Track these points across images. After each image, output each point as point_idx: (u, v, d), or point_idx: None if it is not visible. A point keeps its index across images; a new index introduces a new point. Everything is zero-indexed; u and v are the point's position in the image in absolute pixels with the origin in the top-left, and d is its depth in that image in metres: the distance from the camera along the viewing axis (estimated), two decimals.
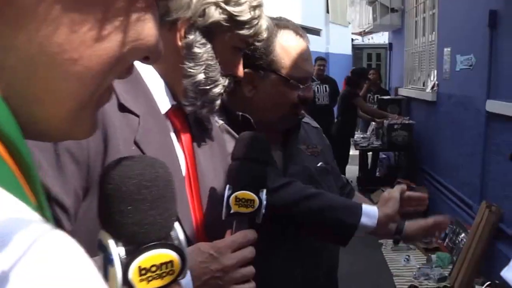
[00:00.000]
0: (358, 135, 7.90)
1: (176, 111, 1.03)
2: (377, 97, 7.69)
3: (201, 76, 0.98)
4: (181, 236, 0.60)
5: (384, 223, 1.37)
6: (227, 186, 0.98)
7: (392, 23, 7.98)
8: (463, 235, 4.39)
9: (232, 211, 0.96)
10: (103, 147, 0.85)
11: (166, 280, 0.58)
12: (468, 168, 4.57)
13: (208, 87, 0.99)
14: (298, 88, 1.40)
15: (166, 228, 0.58)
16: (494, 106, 3.92)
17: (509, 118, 3.51)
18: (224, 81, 1.02)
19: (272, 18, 1.39)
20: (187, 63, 0.97)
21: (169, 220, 0.58)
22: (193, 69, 0.97)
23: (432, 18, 6.18)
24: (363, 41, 17.27)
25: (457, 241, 4.48)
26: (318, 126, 1.70)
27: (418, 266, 4.37)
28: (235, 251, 0.93)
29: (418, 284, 4.11)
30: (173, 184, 0.59)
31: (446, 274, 4.21)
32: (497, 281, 2.18)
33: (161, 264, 0.57)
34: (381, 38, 14.26)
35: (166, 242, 0.58)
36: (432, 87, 5.81)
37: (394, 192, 1.42)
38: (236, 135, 1.36)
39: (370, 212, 1.36)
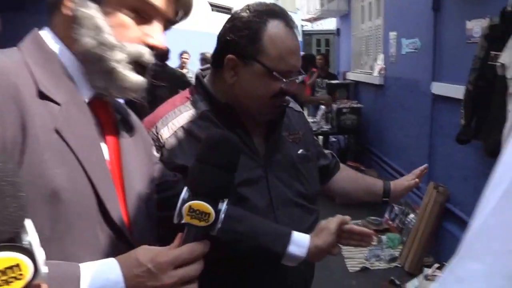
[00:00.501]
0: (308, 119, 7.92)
1: (100, 101, 0.98)
2: (325, 82, 7.74)
3: (91, 42, 0.90)
4: (33, 236, 0.56)
5: (314, 254, 1.30)
6: (185, 188, 0.89)
7: (339, 8, 8.03)
8: (412, 215, 4.49)
9: (183, 221, 0.87)
10: (21, 137, 0.78)
11: (14, 286, 0.54)
12: (416, 149, 4.65)
13: (102, 53, 0.90)
14: (281, 81, 1.33)
15: (10, 228, 0.53)
16: (439, 88, 3.99)
17: (454, 100, 3.57)
18: (124, 47, 0.92)
19: (265, 5, 1.36)
20: (76, 28, 0.90)
21: (10, 219, 0.53)
22: (81, 34, 0.90)
23: (378, 2, 6.24)
24: (312, 27, 17.39)
25: (406, 222, 4.58)
26: (301, 110, 1.67)
27: (369, 248, 4.43)
28: (178, 267, 0.85)
29: (370, 266, 4.17)
30: (14, 179, 0.54)
31: (397, 255, 4.29)
32: (444, 262, 2.20)
33: (6, 268, 0.53)
34: (330, 23, 14.37)
35: (10, 244, 0.53)
36: (379, 71, 5.88)
37: (330, 223, 1.33)
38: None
39: (300, 242, 1.29)
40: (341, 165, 1.78)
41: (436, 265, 2.16)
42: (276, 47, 1.30)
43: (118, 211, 0.93)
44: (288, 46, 1.32)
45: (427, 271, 2.17)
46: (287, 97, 1.43)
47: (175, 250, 0.86)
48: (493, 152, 2.76)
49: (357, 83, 7.26)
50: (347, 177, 1.76)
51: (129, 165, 1.00)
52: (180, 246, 0.87)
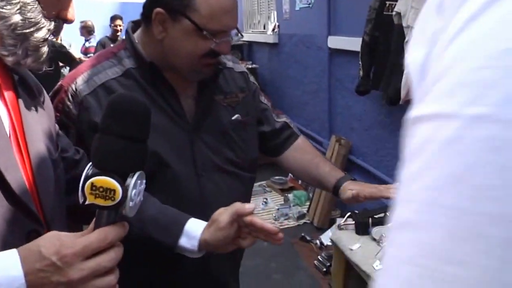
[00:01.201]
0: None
1: None
2: None
3: (17, 18, 0.81)
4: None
5: (207, 249, 1.14)
6: (89, 164, 0.76)
7: None
8: None
9: (87, 203, 0.74)
10: None
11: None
12: (315, 105, 4.67)
13: (28, 31, 0.82)
14: (212, 41, 1.22)
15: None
16: (335, 42, 3.99)
17: (351, 52, 3.58)
18: (49, 24, 0.86)
19: None
20: None
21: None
22: (5, 9, 0.79)
23: None
24: None
25: None
26: (245, 70, 1.52)
27: (276, 207, 4.43)
28: (89, 258, 0.73)
29: (279, 225, 4.16)
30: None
31: (305, 211, 4.33)
32: (356, 211, 2.19)
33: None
34: None
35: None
36: (273, 29, 5.80)
37: (222, 215, 1.11)
38: None
39: (192, 233, 1.14)
40: (302, 143, 1.58)
41: (348, 213, 2.13)
42: (208, 4, 1.19)
43: (21, 182, 0.82)
44: (221, 3, 1.21)
45: (340, 220, 2.14)
46: (224, 57, 1.35)
47: (83, 238, 0.74)
48: (393, 100, 2.79)
49: (250, 44, 7.15)
50: (300, 162, 1.56)
51: (32, 128, 0.90)
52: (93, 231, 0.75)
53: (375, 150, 3.58)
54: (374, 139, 3.59)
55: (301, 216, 4.28)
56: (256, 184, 5.04)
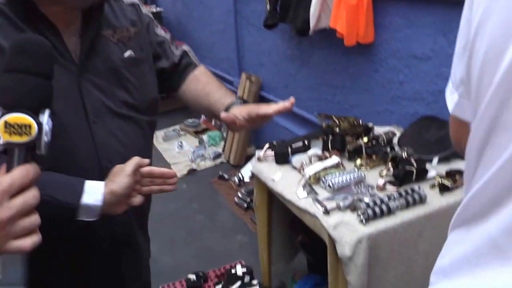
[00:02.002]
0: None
1: None
2: None
3: None
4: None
5: (111, 202, 1.10)
6: None
7: None
8: None
9: (2, 141, 0.72)
10: None
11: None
12: (223, 44, 4.59)
13: None
14: None
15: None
16: None
17: None
18: None
19: None
20: None
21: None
22: None
23: None
24: None
25: None
26: (136, 1, 1.33)
27: (192, 150, 4.40)
28: (13, 197, 0.70)
29: (196, 167, 4.16)
30: None
31: (220, 151, 4.34)
32: (275, 142, 2.22)
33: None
34: None
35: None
36: None
37: (125, 166, 1.13)
38: None
39: (93, 189, 1.09)
40: (199, 73, 1.47)
41: (267, 145, 2.16)
42: None
43: None
44: None
45: (259, 152, 2.16)
46: None
47: (6, 176, 0.70)
48: (303, 30, 2.80)
49: None
50: (194, 92, 1.46)
51: None
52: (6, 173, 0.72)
53: (285, 84, 3.62)
54: (284, 73, 3.62)
55: (217, 156, 4.29)
56: (169, 129, 4.98)
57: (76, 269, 1.27)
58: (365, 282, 1.67)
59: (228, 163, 4.20)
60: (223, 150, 4.34)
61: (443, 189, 1.84)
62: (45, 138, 0.74)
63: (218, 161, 4.26)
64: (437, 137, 2.14)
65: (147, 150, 1.35)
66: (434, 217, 1.77)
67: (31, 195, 0.71)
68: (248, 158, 4.19)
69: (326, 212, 1.73)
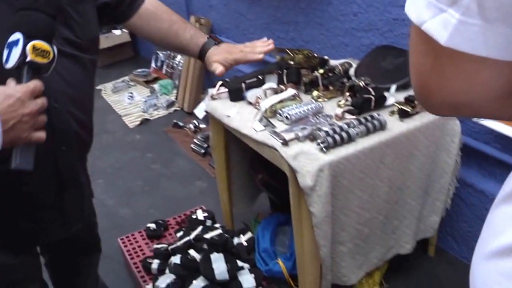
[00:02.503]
0: None
1: None
2: None
3: None
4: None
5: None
6: (17, 33, 0.95)
7: None
8: (178, 57, 4.35)
9: (28, 59, 0.95)
10: None
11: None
12: None
13: None
14: None
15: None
16: None
17: None
18: None
19: None
20: None
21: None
22: None
23: None
24: None
25: (174, 65, 4.44)
26: None
27: (144, 100, 4.24)
28: (36, 98, 0.97)
29: (149, 116, 4.01)
30: None
31: (173, 99, 4.20)
32: (227, 79, 2.12)
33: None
34: None
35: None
36: None
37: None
38: None
39: None
40: (154, 8, 1.47)
41: (219, 82, 2.07)
42: None
43: None
44: None
45: (212, 91, 2.07)
46: None
47: (29, 83, 0.96)
48: None
49: None
50: (159, 31, 1.48)
51: None
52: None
53: (236, 24, 3.48)
54: (234, 13, 3.47)
55: (170, 104, 4.15)
56: (118, 81, 4.78)
57: (22, 210, 1.25)
58: (329, 212, 1.64)
59: (182, 111, 4.08)
60: (176, 98, 4.20)
61: (403, 115, 1.80)
62: (54, 63, 1.00)
63: (172, 109, 4.13)
64: (394, 65, 2.09)
65: (90, 90, 1.36)
66: (395, 143, 1.74)
67: (44, 100, 0.98)
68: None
69: (285, 143, 1.66)
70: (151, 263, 2.10)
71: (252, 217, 2.45)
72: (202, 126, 3.75)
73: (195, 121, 3.75)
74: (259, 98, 1.98)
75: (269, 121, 1.85)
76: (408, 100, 1.84)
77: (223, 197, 2.36)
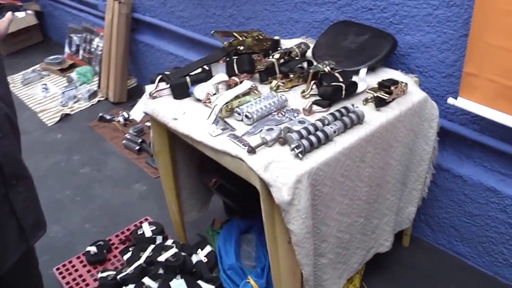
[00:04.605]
0: None
1: None
2: None
3: None
4: None
5: None
6: None
7: None
8: (97, 40, 3.89)
9: None
10: None
11: None
12: None
13: None
14: None
15: None
16: None
17: None
18: None
19: None
20: None
21: None
22: None
23: None
24: None
25: (92, 49, 3.97)
26: None
27: (61, 91, 3.76)
28: None
29: (70, 111, 3.56)
30: None
31: (96, 88, 3.76)
32: (167, 72, 1.79)
33: None
34: None
35: None
36: None
37: None
38: None
39: None
40: None
41: (158, 76, 1.74)
42: None
43: None
44: None
45: (150, 88, 1.74)
46: None
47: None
48: None
49: None
50: None
51: None
52: None
53: (162, 1, 3.09)
54: None
55: (93, 94, 3.71)
56: (28, 71, 4.23)
57: None
58: (310, 227, 1.39)
59: (108, 101, 3.66)
60: (99, 87, 3.76)
61: (379, 103, 1.58)
62: None
63: (95, 100, 3.69)
64: (357, 44, 1.85)
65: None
66: (376, 137, 1.52)
67: None
68: (131, 92, 3.68)
69: (252, 150, 1.38)
70: None
71: (206, 225, 2.17)
72: (133, 117, 3.37)
73: (124, 113, 3.36)
74: (210, 94, 1.68)
75: (226, 122, 1.56)
76: (383, 86, 1.61)
77: (172, 207, 2.05)
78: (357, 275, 1.85)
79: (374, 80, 1.68)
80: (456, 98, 1.68)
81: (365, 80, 1.68)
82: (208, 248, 1.95)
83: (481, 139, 1.76)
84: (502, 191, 1.76)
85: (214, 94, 1.70)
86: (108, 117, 3.39)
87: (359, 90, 1.64)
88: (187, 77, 1.74)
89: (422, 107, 1.67)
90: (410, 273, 2.01)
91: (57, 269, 1.97)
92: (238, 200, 2.04)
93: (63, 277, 1.93)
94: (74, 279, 1.92)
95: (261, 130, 1.48)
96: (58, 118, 3.48)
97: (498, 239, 1.84)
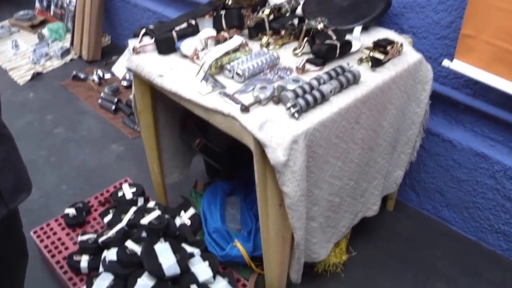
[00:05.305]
0: None
1: None
2: None
3: None
4: None
5: None
6: None
7: None
8: None
9: None
10: None
11: None
12: None
13: None
14: None
15: None
16: None
17: None
18: None
19: None
20: None
21: None
22: None
23: None
24: None
25: (65, 5, 3.77)
26: None
27: (32, 49, 3.57)
28: None
29: (42, 69, 3.40)
30: None
31: (68, 46, 3.58)
32: (150, 26, 1.69)
33: None
34: None
35: None
36: None
37: None
38: None
39: None
40: None
41: (142, 30, 1.64)
42: None
43: None
44: None
45: (133, 42, 1.64)
46: None
47: None
48: None
49: None
50: None
51: None
52: None
53: None
54: None
55: (65, 52, 3.54)
56: None
57: None
58: (305, 189, 1.35)
59: (81, 59, 3.50)
60: (72, 44, 3.59)
61: (375, 63, 1.52)
62: None
63: (68, 58, 3.53)
64: (348, 2, 1.78)
65: None
66: (371, 98, 1.47)
67: None
68: (105, 51, 3.52)
69: (245, 109, 1.32)
70: (79, 261, 1.71)
71: (187, 188, 2.11)
72: (108, 76, 3.24)
73: (99, 71, 3.22)
74: (197, 50, 1.59)
75: (216, 80, 1.49)
76: (378, 45, 1.55)
77: (153, 168, 1.98)
78: (343, 239, 1.83)
79: (367, 39, 1.62)
80: (451, 61, 1.64)
81: (359, 39, 1.62)
82: (191, 211, 1.89)
83: (473, 104, 1.74)
84: (491, 156, 1.75)
85: (203, 49, 1.61)
86: (82, 75, 3.25)
87: (353, 49, 1.58)
88: (173, 32, 1.65)
89: (417, 69, 1.62)
90: (394, 237, 2.00)
91: (35, 232, 1.89)
92: (222, 161, 1.98)
93: (41, 241, 1.85)
94: (52, 243, 1.84)
95: (253, 88, 1.41)
96: (29, 77, 3.31)
97: (485, 205, 1.84)
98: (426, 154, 1.94)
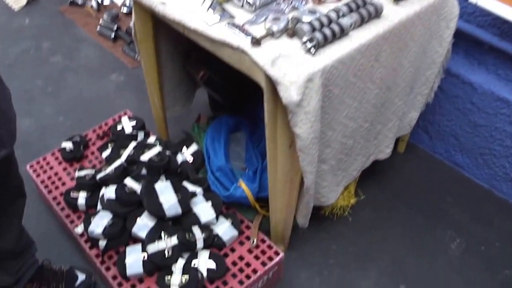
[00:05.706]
0: None
1: None
2: None
3: None
4: None
5: None
6: None
7: None
8: None
9: None
10: None
11: None
12: None
13: None
14: None
15: None
16: None
17: None
18: None
19: None
20: None
21: None
22: None
23: None
24: None
25: None
26: None
27: None
28: None
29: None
30: None
31: None
32: None
33: None
34: None
35: None
36: None
37: None
38: None
39: None
40: None
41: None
42: None
43: None
44: None
45: None
46: None
47: None
48: None
49: None
50: None
51: None
52: None
53: None
54: None
55: None
56: None
57: None
58: (318, 131, 1.26)
59: None
60: None
61: None
62: None
63: None
64: None
65: None
66: (393, 34, 1.35)
67: None
68: None
69: (256, 42, 1.20)
70: (76, 198, 1.65)
71: (189, 122, 2.02)
72: (107, 2, 3.06)
73: None
74: None
75: (224, 9, 1.35)
76: None
77: (154, 100, 1.88)
78: (352, 182, 1.77)
79: None
80: None
81: None
82: (194, 147, 1.81)
83: (499, 45, 1.61)
84: None
85: None
86: (79, 1, 3.07)
87: None
88: None
89: (442, 4, 1.48)
90: (404, 181, 1.94)
91: (31, 166, 1.81)
92: (227, 95, 1.88)
93: (37, 175, 1.78)
94: (49, 177, 1.77)
95: (265, 19, 1.29)
96: (25, 2, 3.13)
97: (502, 152, 1.76)
98: (443, 95, 1.84)
